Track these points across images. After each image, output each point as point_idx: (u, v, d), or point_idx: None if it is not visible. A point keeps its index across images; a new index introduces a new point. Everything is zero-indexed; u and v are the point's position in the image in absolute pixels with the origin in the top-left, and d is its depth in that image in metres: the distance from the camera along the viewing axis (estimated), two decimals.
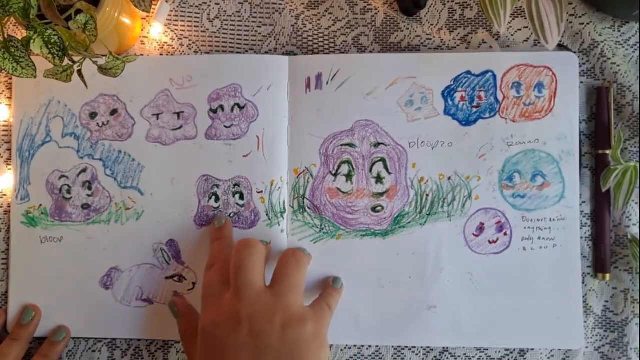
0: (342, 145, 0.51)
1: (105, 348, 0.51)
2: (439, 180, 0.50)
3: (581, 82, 0.51)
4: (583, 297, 0.50)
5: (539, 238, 0.50)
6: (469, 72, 0.50)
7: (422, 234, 0.50)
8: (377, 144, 0.51)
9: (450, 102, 0.50)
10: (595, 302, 0.50)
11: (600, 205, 0.50)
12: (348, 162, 0.51)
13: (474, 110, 0.50)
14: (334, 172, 0.51)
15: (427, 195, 0.50)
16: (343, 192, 0.51)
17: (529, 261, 0.50)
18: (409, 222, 0.50)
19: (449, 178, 0.50)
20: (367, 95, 0.51)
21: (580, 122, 0.51)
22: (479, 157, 0.50)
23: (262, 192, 0.50)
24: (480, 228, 0.50)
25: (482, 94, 0.50)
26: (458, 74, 0.50)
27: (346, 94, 0.51)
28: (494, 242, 0.50)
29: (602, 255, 0.50)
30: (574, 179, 0.50)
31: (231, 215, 0.50)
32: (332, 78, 0.51)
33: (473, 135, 0.50)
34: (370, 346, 0.51)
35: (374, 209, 0.50)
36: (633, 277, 0.50)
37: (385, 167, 0.50)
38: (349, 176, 0.51)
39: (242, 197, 0.50)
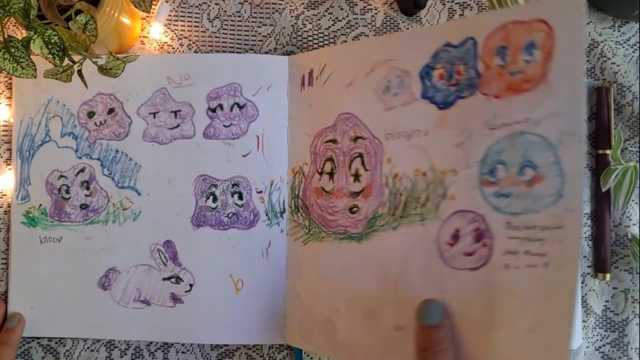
0: (326, 142, 0.48)
1: (103, 348, 0.51)
2: (413, 177, 0.42)
3: None
4: (583, 297, 0.50)
5: (526, 252, 0.36)
6: (448, 44, 0.41)
7: (393, 240, 0.42)
8: (356, 138, 0.46)
9: (428, 83, 0.42)
10: (595, 302, 0.50)
11: (600, 205, 0.50)
12: (331, 159, 0.47)
13: (453, 89, 0.41)
14: (320, 171, 0.48)
15: (401, 195, 0.43)
16: (326, 192, 0.47)
17: (512, 282, 0.37)
18: (382, 226, 0.43)
19: (424, 174, 0.41)
20: (348, 86, 0.46)
21: None
22: (456, 146, 0.40)
23: (261, 192, 0.50)
24: (456, 235, 0.39)
25: (462, 67, 0.40)
26: (437, 49, 0.41)
27: (331, 87, 0.48)
28: (471, 254, 0.39)
29: (602, 255, 0.50)
30: (577, 169, 0.35)
31: (230, 215, 0.50)
32: (320, 73, 0.48)
33: (450, 120, 0.41)
34: None
35: (351, 210, 0.46)
36: (633, 277, 0.50)
37: (363, 163, 0.45)
38: (331, 174, 0.47)
39: (240, 197, 0.50)
